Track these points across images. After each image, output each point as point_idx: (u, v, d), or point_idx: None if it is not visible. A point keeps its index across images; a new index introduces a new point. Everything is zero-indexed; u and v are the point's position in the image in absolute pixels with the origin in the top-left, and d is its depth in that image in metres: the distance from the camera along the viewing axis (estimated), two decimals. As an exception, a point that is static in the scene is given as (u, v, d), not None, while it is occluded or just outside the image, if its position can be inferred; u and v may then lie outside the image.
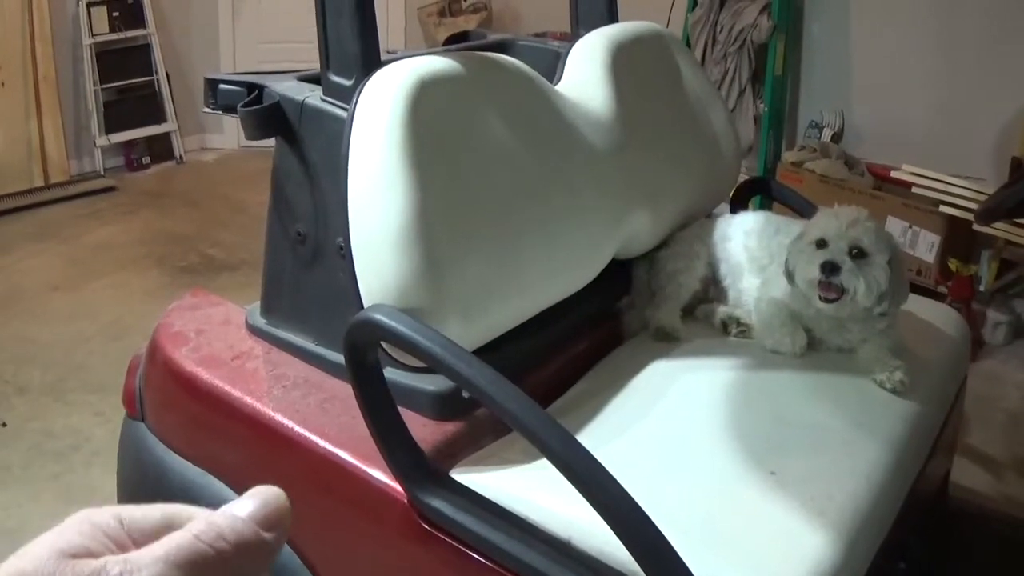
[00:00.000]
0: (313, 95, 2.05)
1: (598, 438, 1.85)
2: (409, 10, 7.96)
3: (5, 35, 6.83)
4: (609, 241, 2.29)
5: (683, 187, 2.58)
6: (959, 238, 4.92)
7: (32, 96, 7.00)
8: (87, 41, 7.29)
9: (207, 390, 2.09)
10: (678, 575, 1.39)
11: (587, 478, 1.44)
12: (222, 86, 2.21)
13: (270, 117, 2.08)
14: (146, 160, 7.78)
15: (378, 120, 1.81)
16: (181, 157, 7.94)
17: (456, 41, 2.90)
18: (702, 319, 2.41)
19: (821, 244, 2.13)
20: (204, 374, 2.12)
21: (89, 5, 7.28)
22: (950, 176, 4.91)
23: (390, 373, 1.83)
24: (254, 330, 2.26)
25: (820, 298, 2.12)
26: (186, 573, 0.57)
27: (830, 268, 2.09)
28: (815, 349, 2.24)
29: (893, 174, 5.24)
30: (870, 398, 2.09)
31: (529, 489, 1.71)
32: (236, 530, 0.60)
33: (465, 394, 1.88)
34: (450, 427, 1.93)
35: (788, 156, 5.81)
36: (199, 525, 0.60)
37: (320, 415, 1.93)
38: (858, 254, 2.10)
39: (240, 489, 0.65)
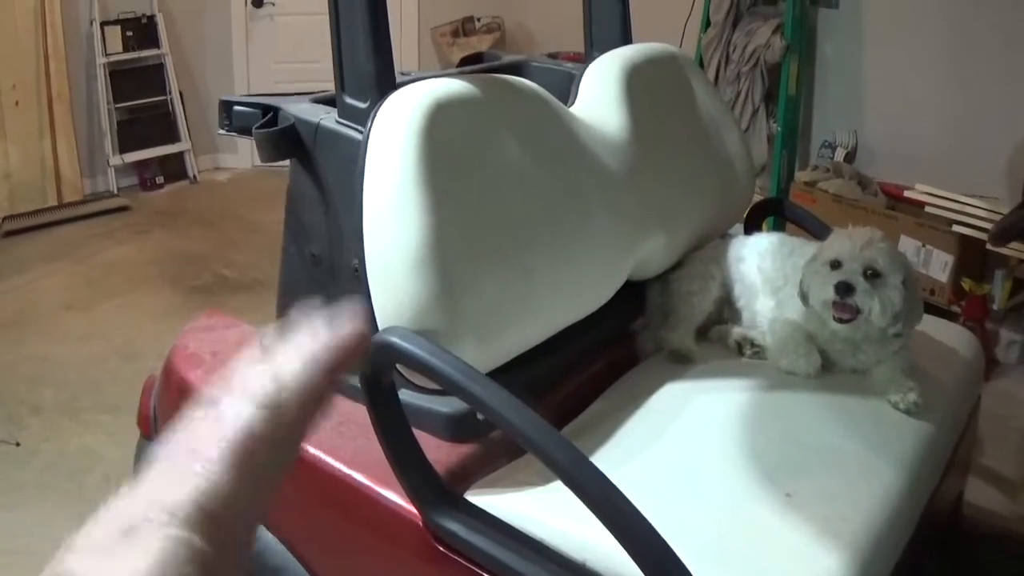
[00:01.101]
0: (328, 117, 2.06)
1: (612, 460, 1.85)
2: (422, 31, 7.97)
3: (19, 54, 6.84)
4: (623, 263, 2.29)
5: (697, 208, 2.58)
6: (972, 258, 4.90)
7: (46, 115, 7.01)
8: (101, 60, 7.29)
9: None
10: (693, 597, 1.39)
11: (602, 500, 1.44)
12: (237, 108, 2.22)
13: (285, 139, 2.09)
14: (159, 180, 7.78)
15: (394, 142, 1.81)
16: (195, 177, 7.94)
17: (470, 62, 2.90)
18: (716, 340, 2.41)
19: (835, 265, 2.13)
20: (220, 396, 2.12)
21: (103, 24, 7.28)
22: (963, 195, 4.90)
23: (405, 395, 1.83)
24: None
25: (835, 319, 2.12)
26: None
27: (845, 289, 2.09)
28: (829, 370, 2.24)
29: (906, 193, 5.23)
30: (884, 419, 2.08)
31: (544, 511, 1.71)
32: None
33: (480, 416, 1.88)
34: (465, 449, 1.92)
35: (801, 176, 5.80)
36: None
37: (335, 437, 1.93)
38: (872, 275, 2.10)
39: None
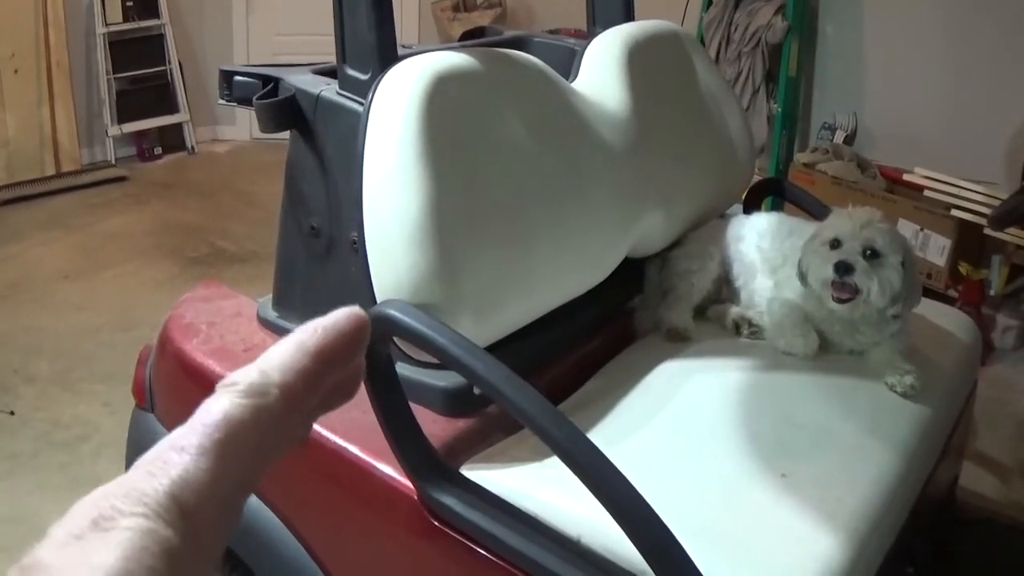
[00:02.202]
0: (329, 88, 2.05)
1: (609, 437, 1.85)
2: (423, 5, 7.96)
3: (18, 22, 6.83)
4: (622, 240, 2.29)
5: (697, 187, 2.58)
6: (970, 242, 4.91)
7: (45, 83, 7.01)
8: (100, 30, 7.29)
9: (218, 383, 2.09)
10: (687, 574, 1.39)
11: (597, 476, 1.44)
12: (237, 78, 2.21)
13: (285, 110, 2.08)
14: (158, 150, 7.79)
15: (394, 115, 1.80)
16: (193, 148, 7.95)
17: (472, 37, 2.89)
18: (714, 319, 2.41)
19: (835, 245, 2.12)
20: (215, 366, 2.12)
21: (103, -7, 7.30)
22: (962, 180, 4.90)
23: (401, 368, 1.83)
24: (266, 323, 2.26)
25: (833, 298, 2.12)
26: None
27: (844, 268, 2.09)
28: (826, 351, 2.23)
29: (905, 177, 5.24)
30: (881, 401, 2.08)
31: (539, 486, 1.71)
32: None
33: (476, 391, 1.88)
34: (461, 423, 1.92)
35: (801, 157, 5.80)
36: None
37: (330, 409, 1.92)
38: (872, 255, 2.09)
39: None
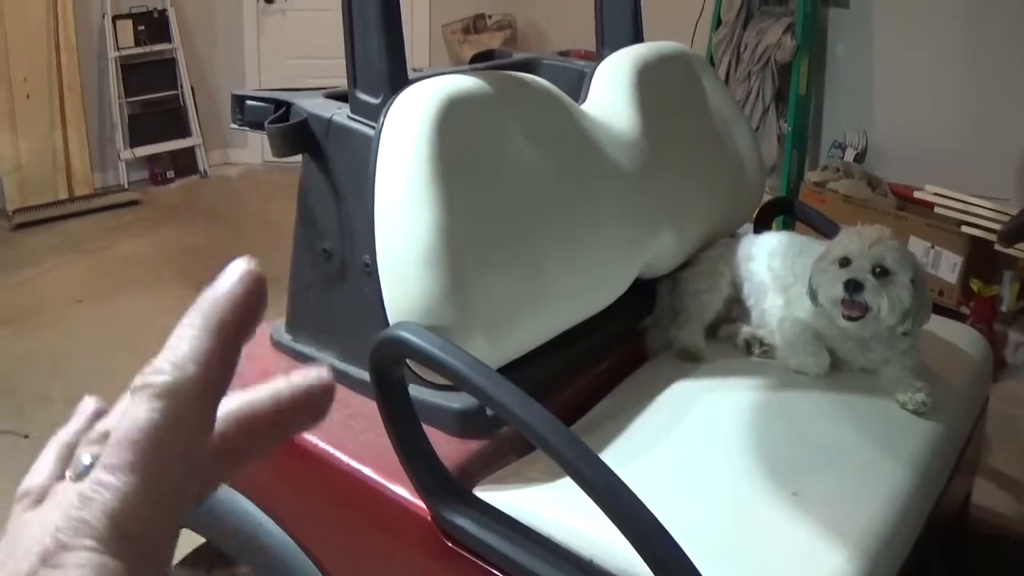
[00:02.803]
0: (340, 112, 2.06)
1: (621, 457, 1.85)
2: (433, 28, 7.97)
3: (31, 47, 6.86)
4: (633, 261, 2.29)
5: (707, 207, 2.58)
6: (981, 259, 4.90)
7: (57, 108, 7.04)
8: (112, 54, 7.32)
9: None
10: (700, 595, 1.40)
11: (610, 497, 1.44)
12: (249, 102, 2.22)
13: (297, 134, 2.09)
14: (170, 174, 7.80)
15: (405, 138, 1.82)
16: (205, 171, 7.96)
17: (482, 59, 2.90)
18: (725, 339, 2.41)
19: (844, 263, 2.12)
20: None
21: (115, 18, 7.32)
22: (973, 196, 4.90)
23: (414, 390, 1.83)
24: (279, 346, 2.26)
25: (844, 317, 2.12)
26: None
27: (854, 286, 2.09)
28: (838, 369, 2.23)
29: (916, 194, 5.23)
30: (892, 419, 2.08)
31: (552, 507, 1.71)
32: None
33: (489, 412, 1.88)
34: (474, 445, 1.92)
35: (811, 176, 5.79)
36: None
37: (343, 431, 1.93)
38: (881, 272, 2.09)
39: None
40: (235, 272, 0.64)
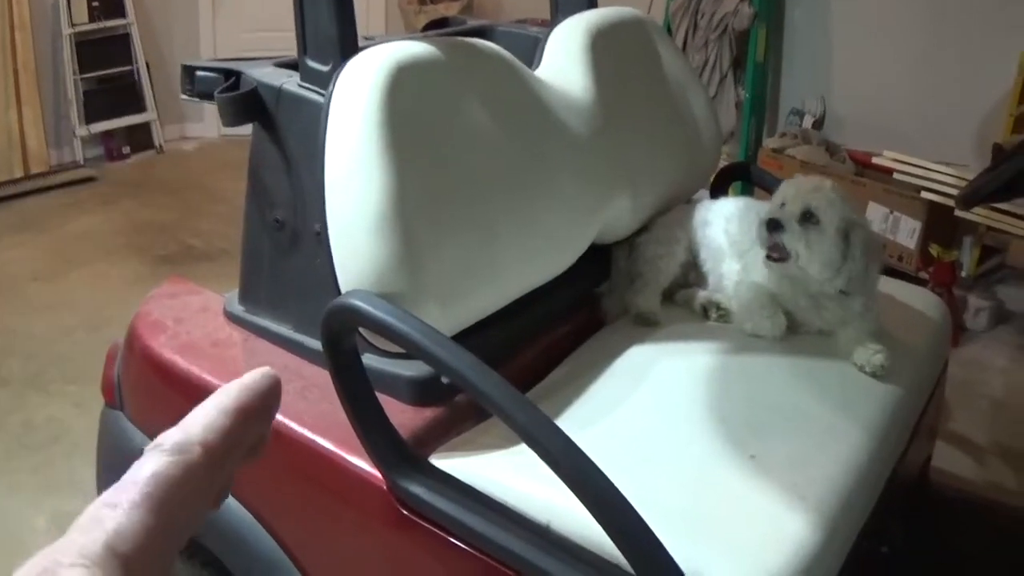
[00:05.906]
0: (290, 81, 2.05)
1: (577, 422, 1.85)
2: (389, -2, 7.95)
3: (-16, 26, 6.80)
4: (589, 226, 2.29)
5: (663, 172, 2.58)
6: (941, 224, 4.93)
7: (12, 86, 6.96)
8: (67, 31, 7.25)
9: (185, 378, 2.08)
10: (658, 559, 1.39)
11: (566, 463, 1.43)
12: (199, 73, 2.20)
13: (247, 103, 2.07)
14: (126, 150, 7.74)
15: (355, 105, 1.80)
16: (161, 147, 7.91)
17: (435, 27, 2.89)
18: (682, 304, 2.41)
19: (781, 208, 2.14)
20: (182, 362, 2.11)
21: (69, -6, 7.26)
22: (932, 162, 4.91)
23: (368, 359, 1.83)
24: (232, 318, 2.25)
25: (766, 256, 2.13)
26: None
27: (773, 225, 2.11)
28: (795, 332, 2.24)
29: (874, 160, 5.25)
30: (850, 382, 2.09)
31: (508, 474, 1.71)
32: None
33: (444, 380, 1.88)
34: (429, 413, 1.92)
35: (769, 142, 5.82)
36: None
37: (299, 402, 1.92)
38: (808, 219, 2.10)
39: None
40: (258, 372, 0.78)
